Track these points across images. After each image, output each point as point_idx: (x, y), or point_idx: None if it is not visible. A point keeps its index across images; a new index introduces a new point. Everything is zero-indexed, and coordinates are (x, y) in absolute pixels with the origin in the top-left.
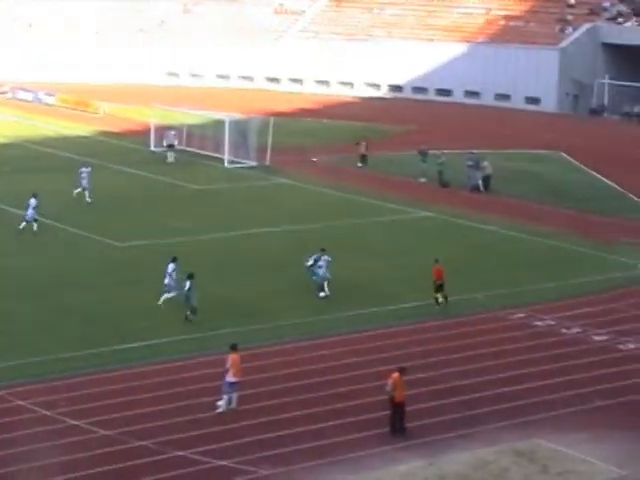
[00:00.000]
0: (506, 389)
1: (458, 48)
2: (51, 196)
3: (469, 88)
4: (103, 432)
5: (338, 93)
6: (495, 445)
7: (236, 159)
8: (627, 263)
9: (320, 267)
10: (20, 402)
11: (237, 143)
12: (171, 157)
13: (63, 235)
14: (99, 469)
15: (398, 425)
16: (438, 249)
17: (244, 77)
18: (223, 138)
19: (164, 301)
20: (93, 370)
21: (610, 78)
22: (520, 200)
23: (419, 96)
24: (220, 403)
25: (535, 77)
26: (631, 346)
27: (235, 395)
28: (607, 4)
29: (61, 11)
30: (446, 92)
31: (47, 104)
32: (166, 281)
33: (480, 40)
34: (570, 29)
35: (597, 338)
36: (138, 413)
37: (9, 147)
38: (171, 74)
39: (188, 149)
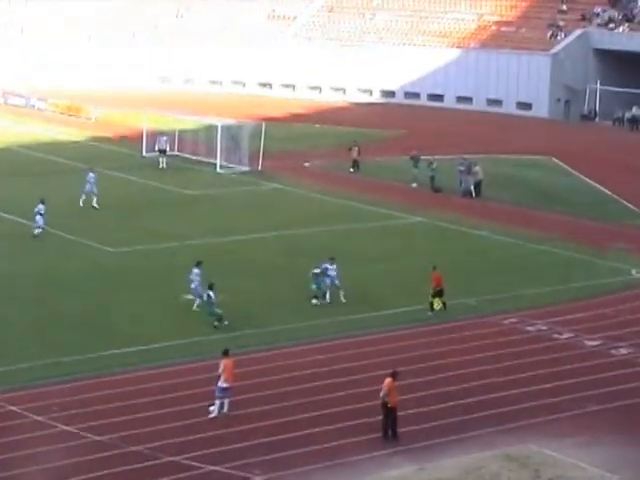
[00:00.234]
0: (498, 394)
1: (450, 53)
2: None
3: (461, 93)
4: (96, 437)
5: (330, 98)
6: (487, 450)
7: (228, 164)
8: (619, 268)
9: (328, 276)
10: (12, 407)
11: (229, 148)
12: (163, 162)
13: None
14: (92, 475)
15: (390, 430)
16: (430, 254)
17: (236, 82)
18: (215, 143)
19: (198, 305)
20: (85, 375)
21: (602, 84)
22: (512, 205)
23: (411, 101)
24: (212, 408)
25: (527, 83)
26: (623, 351)
27: (227, 400)
28: (599, 10)
29: (53, 16)
30: (438, 97)
31: (39, 109)
32: (192, 286)
33: (472, 46)
34: (562, 35)
35: (589, 343)
36: (130, 418)
37: (1, 152)
38: (163, 79)
39: (180, 154)
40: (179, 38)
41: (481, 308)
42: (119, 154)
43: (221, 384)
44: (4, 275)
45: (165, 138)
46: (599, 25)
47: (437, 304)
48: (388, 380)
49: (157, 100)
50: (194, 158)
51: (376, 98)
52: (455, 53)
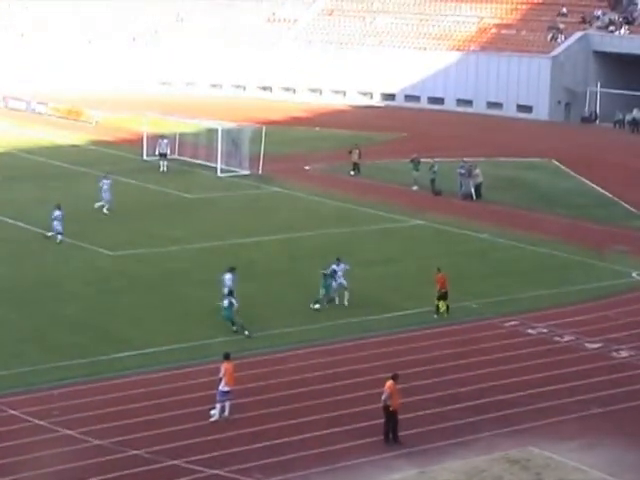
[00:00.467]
0: (499, 397)
1: (450, 56)
2: (42, 205)
3: (461, 96)
4: (96, 441)
5: (331, 101)
6: (488, 453)
7: (229, 168)
8: (620, 271)
9: (339, 277)
10: (13, 412)
11: (230, 152)
12: (164, 166)
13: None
14: (93, 479)
15: (391, 433)
16: (431, 257)
17: (237, 86)
18: (216, 147)
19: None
20: (86, 379)
21: (602, 86)
22: (512, 208)
23: (411, 104)
24: (213, 412)
25: (527, 85)
26: (624, 354)
27: (228, 404)
28: (599, 12)
29: (54, 20)
30: (438, 100)
31: (39, 113)
32: (225, 291)
33: (472, 48)
34: (562, 37)
35: (590, 346)
36: (131, 422)
37: (1, 156)
38: (164, 83)
39: (181, 158)
40: (179, 42)
41: (482, 311)
42: (120, 158)
43: (222, 388)
44: (4, 279)
45: (166, 142)
46: (599, 28)
47: (442, 307)
48: (389, 383)
49: (157, 104)
50: (195, 162)
51: (376, 101)
52: (455, 56)
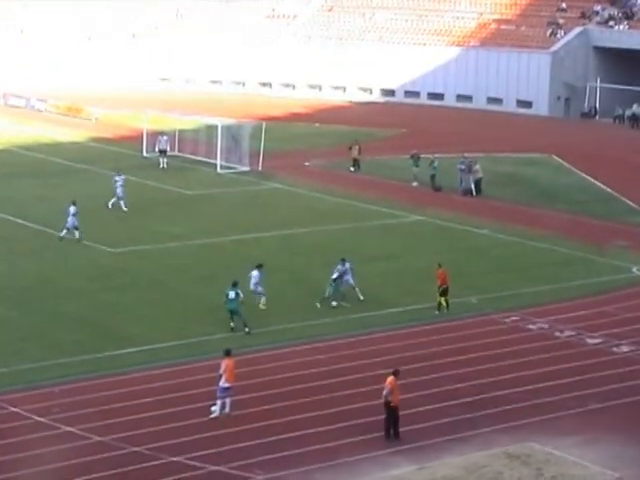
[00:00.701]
0: (499, 393)
1: (450, 52)
2: (42, 202)
3: (461, 92)
4: (97, 438)
5: (330, 97)
6: (488, 448)
7: (228, 164)
8: (620, 266)
9: (346, 275)
10: (14, 409)
11: (229, 148)
12: (163, 162)
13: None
14: (94, 475)
15: (392, 429)
16: (431, 253)
17: (236, 82)
18: (215, 143)
19: (264, 304)
20: (87, 376)
21: (601, 81)
22: (512, 203)
23: (411, 100)
24: (214, 408)
25: (527, 81)
26: (625, 349)
27: (229, 400)
28: (598, 8)
29: (53, 17)
30: (438, 96)
31: (39, 110)
32: (258, 289)
33: (472, 44)
34: (561, 33)
35: (591, 341)
36: (132, 419)
37: (1, 153)
38: (163, 79)
39: (180, 154)
40: (179, 38)
41: (482, 306)
42: (120, 154)
43: (222, 384)
44: (4, 276)
45: (165, 138)
46: (599, 23)
47: (443, 302)
48: (390, 379)
49: (157, 100)
50: (194, 158)
51: (376, 97)
52: (455, 51)
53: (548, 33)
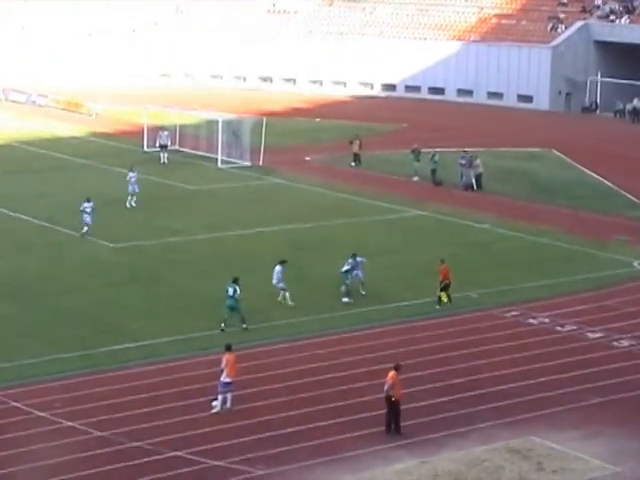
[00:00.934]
0: (500, 387)
1: (450, 47)
2: (43, 197)
3: (462, 86)
4: (98, 433)
5: (331, 92)
6: (490, 443)
7: (229, 159)
8: (621, 260)
9: (357, 271)
10: (15, 404)
11: (230, 143)
12: (164, 157)
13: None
14: (94, 470)
15: (393, 424)
16: (432, 248)
17: (237, 77)
18: (216, 138)
19: (290, 298)
20: (87, 371)
21: (602, 76)
22: (513, 198)
23: (412, 95)
24: (215, 403)
25: (527, 75)
26: (625, 343)
27: (230, 395)
28: (599, 2)
29: (54, 12)
30: (439, 90)
31: (40, 105)
32: (280, 285)
33: (472, 38)
34: (562, 27)
35: (591, 335)
36: (133, 414)
37: (2, 148)
38: (164, 75)
39: (181, 149)
40: (179, 33)
41: (483, 301)
42: (120, 150)
43: (224, 379)
44: (5, 272)
45: (166, 133)
46: (599, 17)
47: (444, 297)
48: (392, 373)
49: (158, 95)
50: (195, 153)
51: (377, 91)
52: (456, 46)
53: (549, 28)
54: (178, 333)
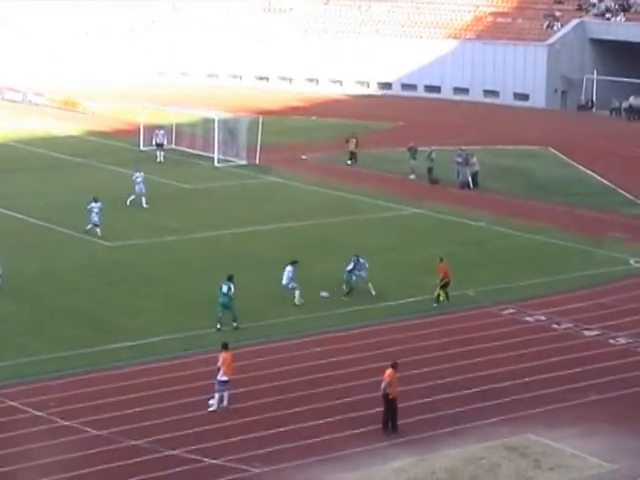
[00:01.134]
0: (497, 385)
1: (446, 45)
2: (39, 196)
3: (458, 85)
4: (95, 432)
5: (327, 91)
6: (487, 441)
7: (225, 158)
8: (617, 258)
9: (361, 269)
10: (11, 403)
11: (226, 142)
12: (160, 156)
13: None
14: (91, 469)
15: (390, 422)
16: (428, 246)
17: (233, 75)
18: (212, 137)
19: (299, 299)
20: (84, 370)
21: (598, 74)
22: (509, 196)
23: (408, 93)
24: (212, 402)
25: (523, 73)
26: (622, 341)
27: (227, 393)
28: (595, 0)
29: (50, 11)
30: (435, 89)
31: (36, 104)
32: (291, 284)
33: (468, 37)
34: (558, 25)
35: (588, 333)
36: (130, 413)
37: None
38: (160, 73)
39: (177, 148)
40: (176, 32)
41: (479, 299)
42: (116, 148)
43: (220, 377)
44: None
45: (162, 132)
46: (595, 15)
47: (442, 296)
48: (389, 371)
49: (154, 94)
50: (191, 152)
51: (373, 90)
52: (452, 44)
53: (545, 26)
54: (175, 332)
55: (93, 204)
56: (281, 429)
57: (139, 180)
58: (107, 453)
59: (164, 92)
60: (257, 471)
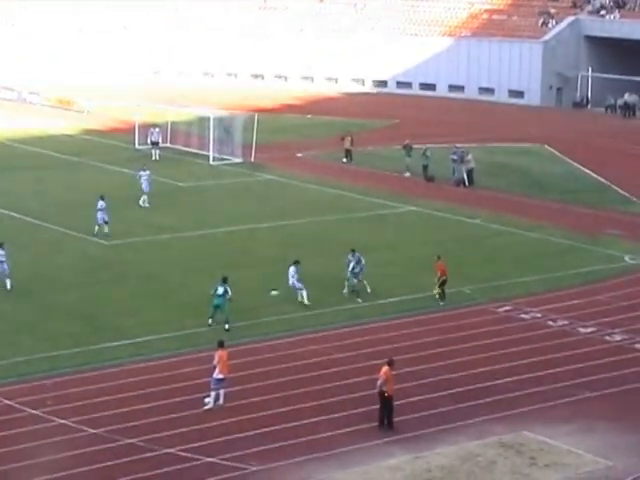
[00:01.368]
0: (493, 382)
1: (442, 42)
2: (35, 194)
3: (453, 82)
4: (91, 430)
5: (323, 89)
6: (482, 438)
7: (221, 156)
8: (613, 255)
9: (362, 267)
10: (7, 401)
11: (222, 140)
12: (156, 154)
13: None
14: (87, 468)
15: (386, 419)
16: (424, 243)
17: (229, 74)
18: (208, 135)
19: (304, 298)
20: (80, 369)
21: (593, 71)
22: (505, 193)
23: (403, 91)
24: (208, 400)
25: (519, 70)
26: (617, 338)
27: (222, 392)
28: None
29: (45, 9)
30: (430, 86)
31: (31, 103)
32: (297, 284)
33: (463, 34)
34: (553, 22)
35: (584, 330)
36: (126, 411)
37: None
38: (155, 72)
39: (173, 146)
40: (171, 30)
41: (475, 296)
42: (112, 147)
43: (216, 375)
44: None
45: (158, 130)
46: (590, 12)
47: (437, 294)
48: (385, 369)
49: (149, 92)
50: (187, 150)
51: (368, 88)
52: (447, 42)
53: (540, 23)
54: (171, 330)
55: (100, 202)
56: (277, 427)
57: (144, 179)
58: (103, 451)
59: (159, 90)
60: (254, 469)
